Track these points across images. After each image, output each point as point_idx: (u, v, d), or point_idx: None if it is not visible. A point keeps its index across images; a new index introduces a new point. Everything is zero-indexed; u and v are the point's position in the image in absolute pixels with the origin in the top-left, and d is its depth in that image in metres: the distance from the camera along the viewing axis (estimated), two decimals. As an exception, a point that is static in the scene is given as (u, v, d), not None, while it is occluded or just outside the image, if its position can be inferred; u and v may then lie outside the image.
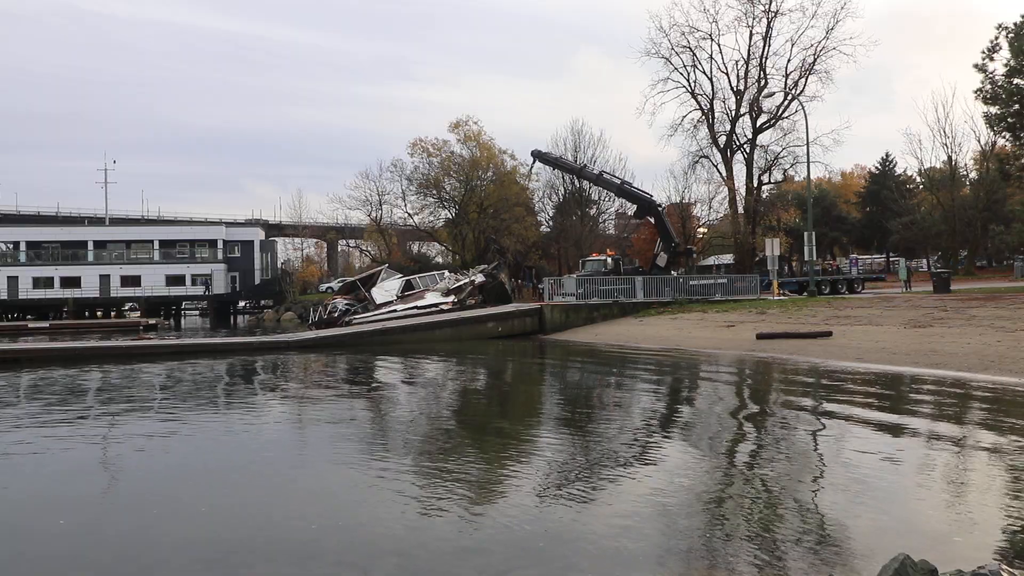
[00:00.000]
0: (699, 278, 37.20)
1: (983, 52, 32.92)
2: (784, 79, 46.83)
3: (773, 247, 35.99)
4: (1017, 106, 31.78)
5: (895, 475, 7.23)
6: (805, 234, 35.01)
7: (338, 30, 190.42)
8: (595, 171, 44.32)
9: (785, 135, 47.69)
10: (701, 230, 54.50)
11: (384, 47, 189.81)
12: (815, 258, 36.58)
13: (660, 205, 39.30)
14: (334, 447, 9.35)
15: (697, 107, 48.85)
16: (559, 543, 5.46)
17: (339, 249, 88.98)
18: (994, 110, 33.29)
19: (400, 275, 42.89)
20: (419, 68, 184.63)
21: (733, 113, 48.43)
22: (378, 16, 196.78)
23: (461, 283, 38.49)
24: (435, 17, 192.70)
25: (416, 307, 35.97)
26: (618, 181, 40.91)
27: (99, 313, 65.88)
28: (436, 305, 35.89)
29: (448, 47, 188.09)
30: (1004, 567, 4.01)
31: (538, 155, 42.27)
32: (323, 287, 66.39)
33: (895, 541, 5.17)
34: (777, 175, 50.53)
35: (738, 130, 48.84)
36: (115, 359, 22.67)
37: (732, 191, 49.34)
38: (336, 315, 38.79)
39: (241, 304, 74.01)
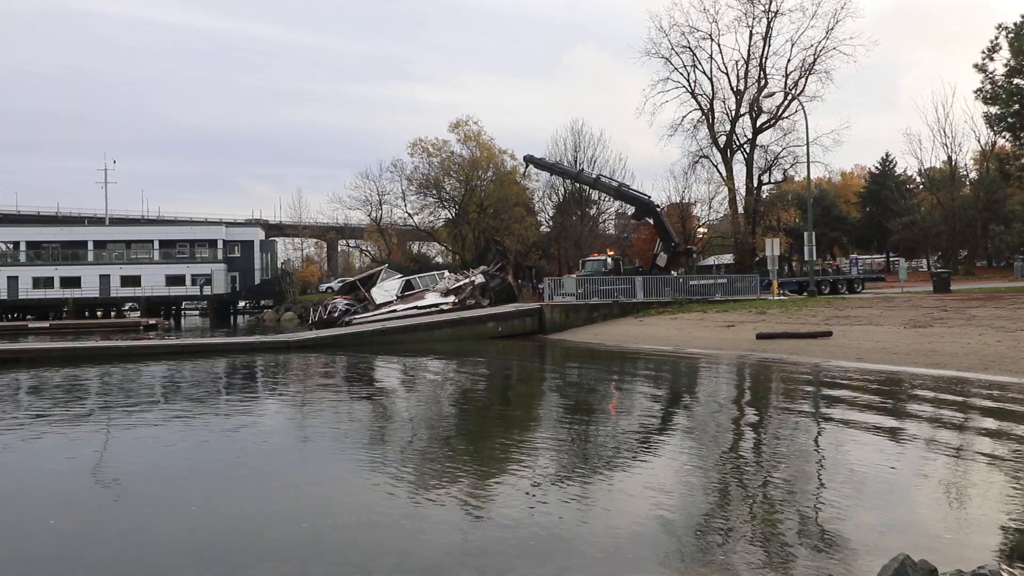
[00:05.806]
0: (699, 278, 37.18)
1: (983, 52, 32.97)
2: (784, 79, 46.89)
3: (773, 247, 35.97)
4: (1017, 106, 31.78)
5: (895, 475, 7.22)
6: (805, 234, 34.99)
7: (338, 30, 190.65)
8: (593, 174, 44.06)
9: (785, 135, 47.77)
10: (701, 230, 54.46)
11: (385, 47, 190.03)
12: (815, 258, 36.56)
13: (658, 206, 39.25)
14: (333, 447, 9.36)
15: (697, 107, 48.89)
16: (559, 543, 5.45)
17: (339, 249, 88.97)
18: (994, 110, 33.31)
19: (400, 275, 42.89)
20: (419, 68, 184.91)
21: (733, 113, 48.46)
22: (379, 16, 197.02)
23: (461, 283, 38.50)
24: (435, 17, 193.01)
25: (416, 307, 36.02)
26: (616, 184, 40.74)
27: (99, 313, 65.85)
28: (436, 305, 35.92)
29: (448, 47, 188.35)
30: (1004, 567, 4.01)
31: (531, 160, 41.71)
32: (323, 287, 66.34)
33: (895, 541, 5.17)
34: (777, 175, 50.58)
35: (738, 130, 48.89)
36: (115, 359, 22.66)
37: (732, 191, 49.36)
38: (336, 315, 38.80)
39: (241, 304, 74.02)
